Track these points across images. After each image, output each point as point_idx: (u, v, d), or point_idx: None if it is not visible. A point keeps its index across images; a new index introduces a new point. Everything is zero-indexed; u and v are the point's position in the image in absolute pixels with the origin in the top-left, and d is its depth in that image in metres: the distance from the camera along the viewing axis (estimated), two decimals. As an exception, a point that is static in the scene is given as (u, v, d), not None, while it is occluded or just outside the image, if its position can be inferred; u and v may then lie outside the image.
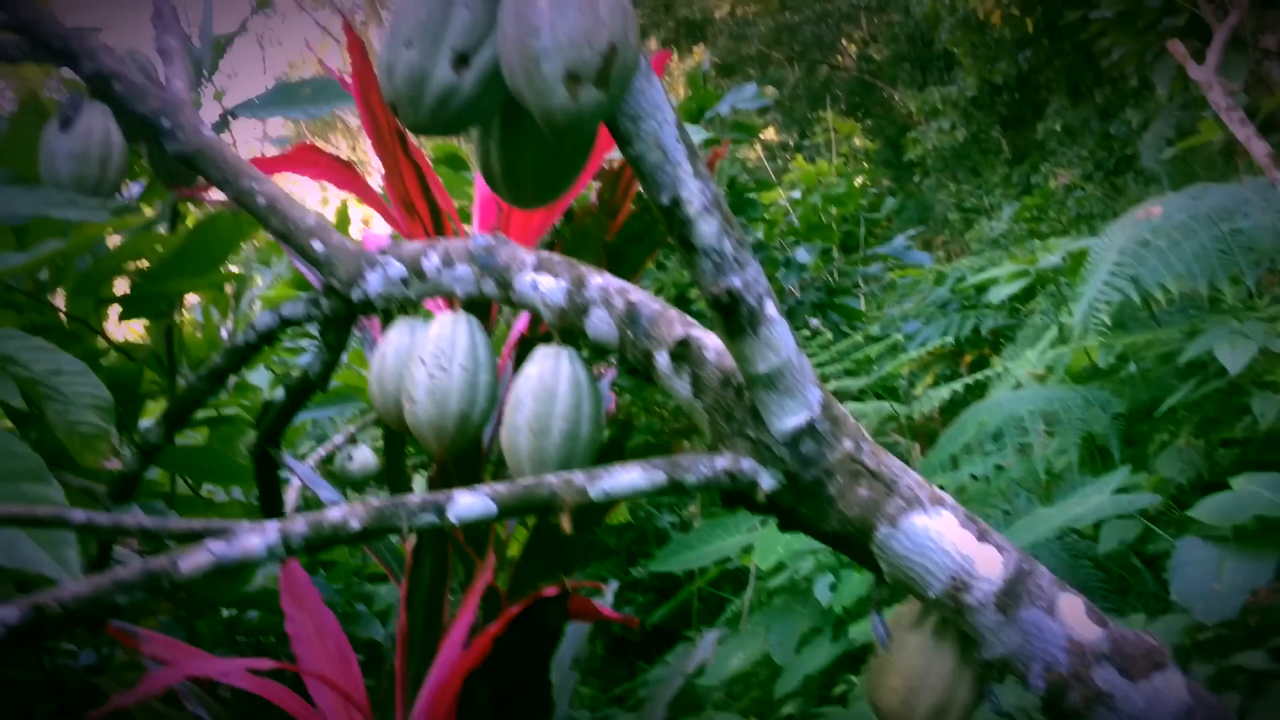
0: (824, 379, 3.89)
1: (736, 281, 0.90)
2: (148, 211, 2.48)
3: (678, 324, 1.04)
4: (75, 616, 0.80)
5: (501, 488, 0.90)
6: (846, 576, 2.68)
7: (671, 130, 0.87)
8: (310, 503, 2.41)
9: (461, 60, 0.81)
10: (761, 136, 16.09)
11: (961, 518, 0.95)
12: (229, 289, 3.65)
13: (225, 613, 2.32)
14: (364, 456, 2.20)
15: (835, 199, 6.11)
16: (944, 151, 12.61)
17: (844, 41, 18.25)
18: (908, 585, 0.95)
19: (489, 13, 0.81)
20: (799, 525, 0.97)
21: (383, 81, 0.83)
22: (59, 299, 2.12)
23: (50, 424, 1.19)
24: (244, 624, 2.36)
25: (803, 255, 5.29)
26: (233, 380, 2.97)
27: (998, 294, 4.39)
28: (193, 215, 2.48)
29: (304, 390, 1.64)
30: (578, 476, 0.92)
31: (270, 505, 1.83)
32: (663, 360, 1.04)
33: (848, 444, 0.95)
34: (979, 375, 3.79)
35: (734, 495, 0.97)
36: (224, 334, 3.29)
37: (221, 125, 2.62)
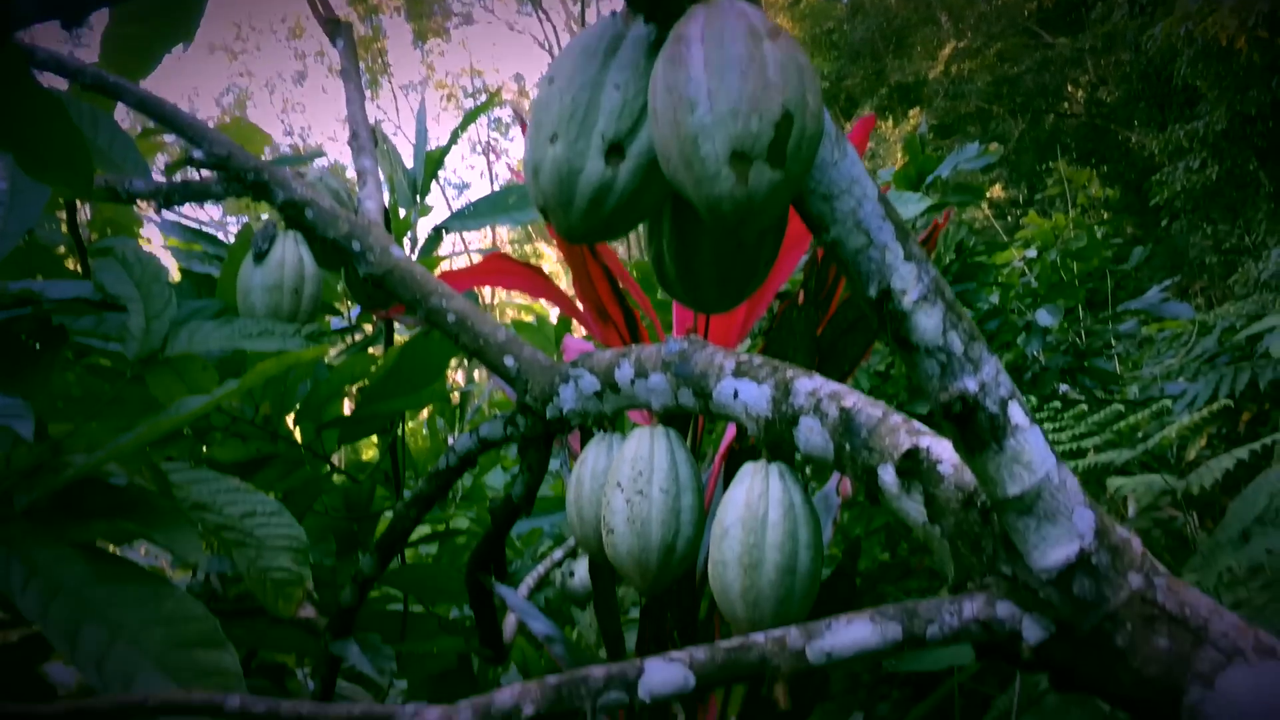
0: (1083, 452, 3.53)
1: (970, 384, 0.72)
2: (368, 329, 2.51)
3: (903, 432, 0.87)
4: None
5: (700, 654, 0.74)
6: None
7: (874, 206, 0.72)
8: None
9: (615, 150, 0.68)
10: (989, 194, 15.44)
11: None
12: (455, 398, 3.70)
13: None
14: (585, 573, 2.10)
15: (1076, 254, 5.68)
16: (1195, 192, 11.69)
17: (1070, 87, 17.41)
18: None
19: (645, 89, 0.69)
20: (1079, 685, 0.76)
21: (529, 185, 0.71)
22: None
23: (241, 573, 1.12)
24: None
25: (1044, 318, 4.89)
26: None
27: (1277, 343, 3.90)
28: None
29: (509, 514, 1.56)
30: (791, 634, 0.75)
31: (488, 632, 1.76)
32: (888, 477, 0.86)
33: (1135, 580, 0.74)
34: (1267, 440, 3.32)
35: (990, 647, 0.78)
36: (451, 443, 3.31)
37: (434, 239, 2.64)
